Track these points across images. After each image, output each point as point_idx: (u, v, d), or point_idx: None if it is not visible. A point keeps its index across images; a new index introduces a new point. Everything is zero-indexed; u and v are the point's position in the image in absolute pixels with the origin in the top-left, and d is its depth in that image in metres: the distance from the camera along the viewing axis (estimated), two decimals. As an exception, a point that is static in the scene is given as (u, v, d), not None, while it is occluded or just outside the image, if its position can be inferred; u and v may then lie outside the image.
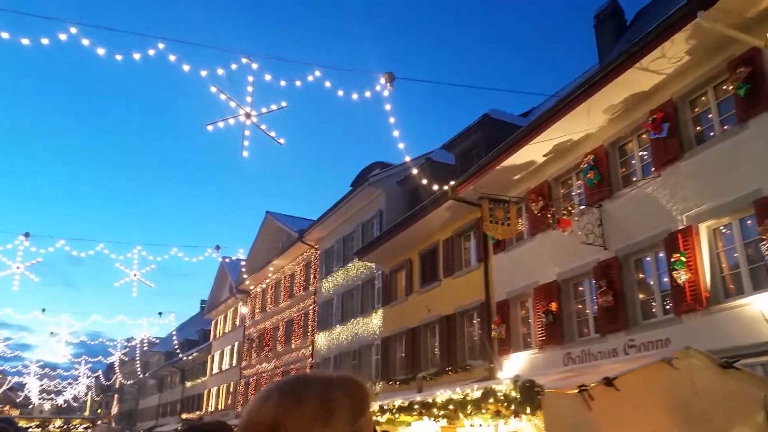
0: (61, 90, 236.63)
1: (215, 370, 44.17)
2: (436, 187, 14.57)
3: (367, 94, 10.68)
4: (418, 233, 19.28)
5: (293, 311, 31.43)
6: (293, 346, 30.52)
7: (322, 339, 27.43)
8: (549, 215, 13.60)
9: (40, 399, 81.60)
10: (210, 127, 10.97)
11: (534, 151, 14.10)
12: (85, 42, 8.41)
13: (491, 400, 6.89)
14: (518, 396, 6.43)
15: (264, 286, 36.45)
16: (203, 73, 9.95)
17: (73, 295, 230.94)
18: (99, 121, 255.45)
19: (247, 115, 10.45)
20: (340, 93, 11.14)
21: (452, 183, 15.41)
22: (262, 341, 35.19)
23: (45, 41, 8.38)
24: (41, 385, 74.53)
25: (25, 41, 8.37)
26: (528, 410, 6.43)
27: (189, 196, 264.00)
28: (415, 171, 14.14)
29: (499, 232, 13.57)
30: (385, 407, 11.22)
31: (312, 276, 29.83)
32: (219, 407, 41.48)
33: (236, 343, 40.47)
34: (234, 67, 10.26)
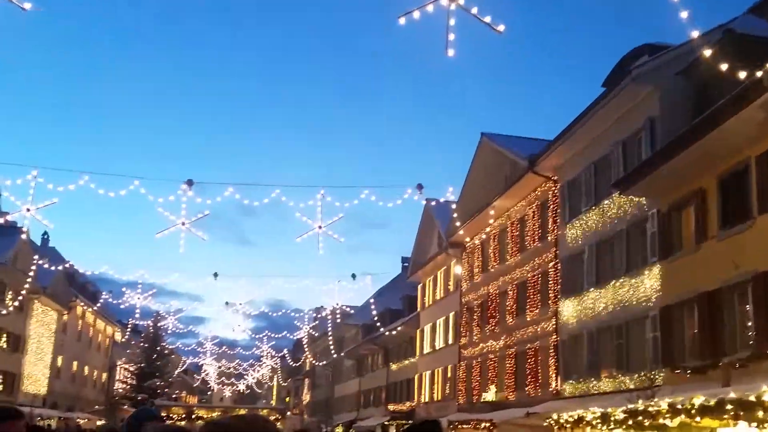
0: (224, 20, 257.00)
1: (426, 349, 46.42)
2: (742, 75, 13.23)
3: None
4: (714, 149, 18.01)
5: (526, 270, 31.59)
6: (529, 318, 30.79)
7: (569, 308, 27.24)
8: None
9: (218, 383, 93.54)
10: (402, 20, 11.10)
11: None
12: None
13: None
14: None
15: (484, 236, 36.98)
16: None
17: (248, 254, 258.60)
18: (266, 46, 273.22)
19: (452, -2, 10.36)
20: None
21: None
22: (486, 311, 36.02)
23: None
24: (219, 367, 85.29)
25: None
26: None
27: (380, 123, 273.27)
28: (707, 52, 13.00)
29: None
30: (679, 406, 10.77)
31: (551, 220, 29.56)
32: (435, 397, 43.70)
33: (451, 314, 41.93)
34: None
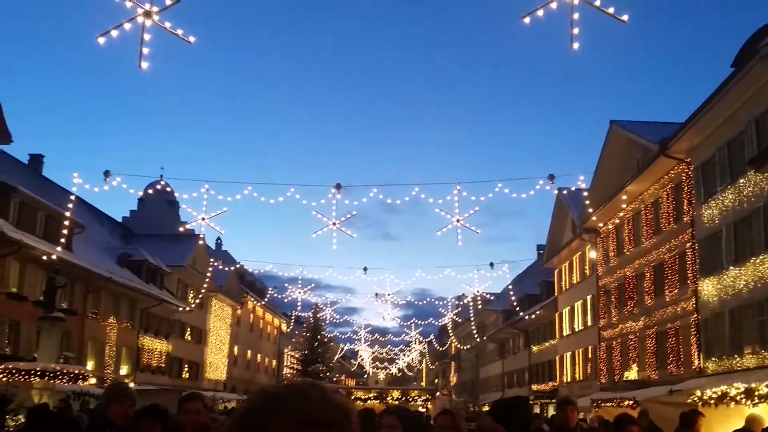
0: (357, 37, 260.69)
1: (565, 331, 45.49)
2: None
3: None
4: None
5: (662, 252, 30.40)
6: (667, 299, 29.64)
7: (709, 287, 25.97)
8: None
9: (373, 367, 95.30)
10: (527, 20, 10.92)
11: None
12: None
13: None
14: None
15: (617, 221, 35.86)
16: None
17: (393, 248, 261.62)
18: (400, 49, 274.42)
19: (577, -7, 10.08)
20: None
21: None
22: (624, 293, 34.95)
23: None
24: (373, 352, 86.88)
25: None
26: None
27: (510, 117, 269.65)
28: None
29: None
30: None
31: (685, 201, 28.31)
32: (576, 377, 42.73)
33: (588, 297, 40.92)
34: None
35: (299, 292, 41.63)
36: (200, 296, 46.77)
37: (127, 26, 10.39)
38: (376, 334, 78.86)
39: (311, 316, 68.24)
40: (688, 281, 27.79)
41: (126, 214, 55.26)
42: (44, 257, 30.07)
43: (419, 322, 69.48)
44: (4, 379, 21.79)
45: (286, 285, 45.89)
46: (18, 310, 30.25)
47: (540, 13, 10.45)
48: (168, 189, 40.15)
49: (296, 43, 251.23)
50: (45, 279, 30.94)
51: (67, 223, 27.22)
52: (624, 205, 33.52)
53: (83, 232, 36.58)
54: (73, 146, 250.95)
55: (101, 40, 10.46)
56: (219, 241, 62.48)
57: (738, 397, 13.42)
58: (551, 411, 36.28)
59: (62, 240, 28.53)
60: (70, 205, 24.93)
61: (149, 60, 10.62)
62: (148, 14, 10.23)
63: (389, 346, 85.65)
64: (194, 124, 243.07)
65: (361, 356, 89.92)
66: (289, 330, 76.31)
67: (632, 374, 32.65)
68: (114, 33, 10.42)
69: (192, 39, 11.02)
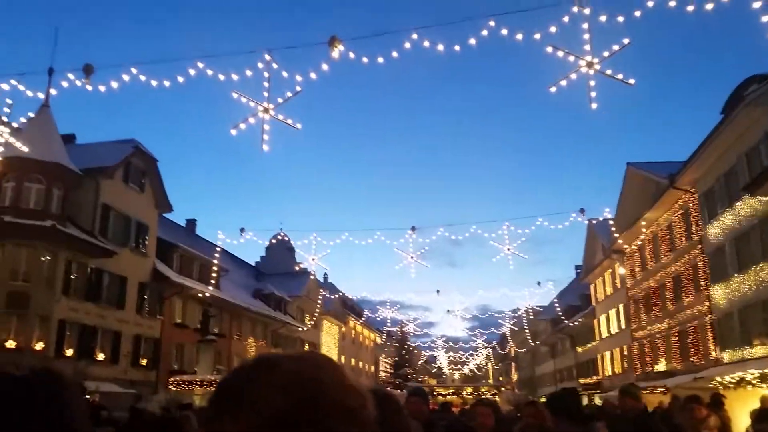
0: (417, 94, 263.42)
1: (604, 334, 43.55)
2: None
3: (727, -2, 8.97)
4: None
5: (678, 265, 28.90)
6: (685, 303, 28.04)
7: (719, 292, 24.47)
8: None
9: (449, 369, 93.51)
10: (553, 89, 10.76)
11: None
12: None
13: None
14: None
15: (639, 242, 34.41)
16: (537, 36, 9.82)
17: (459, 273, 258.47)
18: (460, 119, 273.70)
19: (589, 65, 9.91)
20: (690, 8, 9.64)
21: None
22: (649, 301, 33.31)
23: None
24: (448, 357, 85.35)
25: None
26: None
27: (545, 164, 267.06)
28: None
29: None
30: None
31: (693, 224, 26.93)
32: (615, 371, 40.73)
33: (621, 305, 39.18)
34: (566, 19, 9.86)
35: (388, 312, 41.49)
36: (314, 318, 47.19)
37: (251, 120, 10.80)
38: (450, 343, 77.92)
39: (398, 330, 67.79)
40: (702, 288, 26.31)
41: (257, 259, 56.53)
42: (200, 295, 31.10)
43: (483, 331, 68.18)
44: (173, 388, 22.43)
45: (378, 307, 46.03)
46: (182, 335, 31.24)
47: (563, 82, 10.30)
48: (286, 238, 40.68)
49: (376, 120, 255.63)
50: (201, 311, 32.04)
51: (215, 268, 28.06)
52: (644, 230, 32.10)
53: (227, 275, 37.59)
54: (217, 211, 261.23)
55: (233, 132, 10.88)
56: (326, 276, 63.09)
57: (754, 381, 12.48)
58: (597, 400, 34.48)
59: (212, 281, 29.38)
60: (217, 255, 25.68)
61: (269, 144, 10.96)
62: (266, 110, 10.61)
63: (461, 351, 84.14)
64: (304, 187, 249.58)
65: (439, 360, 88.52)
66: (382, 342, 76.04)
67: (661, 366, 30.92)
68: (242, 126, 10.83)
69: (299, 125, 11.29)
